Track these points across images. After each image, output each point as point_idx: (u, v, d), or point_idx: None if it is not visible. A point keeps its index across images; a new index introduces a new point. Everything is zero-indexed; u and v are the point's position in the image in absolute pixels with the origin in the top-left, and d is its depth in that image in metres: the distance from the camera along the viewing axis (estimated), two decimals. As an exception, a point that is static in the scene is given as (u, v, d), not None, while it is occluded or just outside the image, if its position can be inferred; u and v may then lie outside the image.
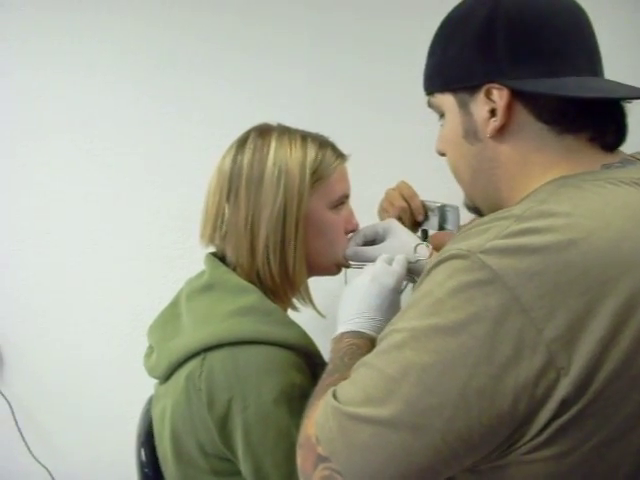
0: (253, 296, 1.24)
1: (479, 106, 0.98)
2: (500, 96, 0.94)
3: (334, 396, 0.89)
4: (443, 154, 1.12)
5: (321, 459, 0.87)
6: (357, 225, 1.38)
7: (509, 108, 0.94)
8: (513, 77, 0.94)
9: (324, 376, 1.06)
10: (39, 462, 2.17)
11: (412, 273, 1.37)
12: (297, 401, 1.14)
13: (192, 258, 1.32)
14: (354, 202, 1.41)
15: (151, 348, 1.36)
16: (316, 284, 1.38)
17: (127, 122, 2.08)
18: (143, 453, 1.39)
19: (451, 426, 0.79)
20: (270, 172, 1.24)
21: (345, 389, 0.89)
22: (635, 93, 0.95)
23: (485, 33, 0.96)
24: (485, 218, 0.89)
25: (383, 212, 1.61)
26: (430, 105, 1.10)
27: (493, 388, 0.77)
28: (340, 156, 1.33)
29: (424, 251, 1.32)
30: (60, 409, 2.20)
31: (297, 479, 1.12)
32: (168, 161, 2.05)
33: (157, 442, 1.30)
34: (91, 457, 2.15)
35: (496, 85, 0.94)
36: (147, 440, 1.37)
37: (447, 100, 1.03)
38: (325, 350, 1.30)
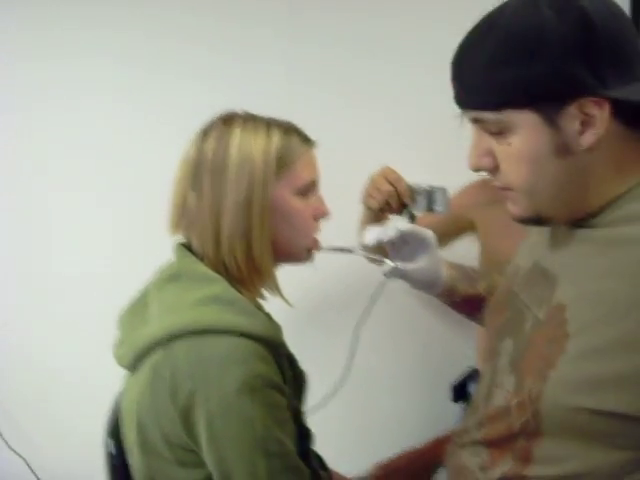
0: (218, 285, 1.22)
1: (570, 120, 0.96)
2: (600, 108, 0.94)
3: None
4: (484, 170, 1.10)
5: None
6: (327, 212, 1.35)
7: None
8: (609, 88, 0.94)
9: None
10: (15, 452, 2.17)
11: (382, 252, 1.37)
12: (261, 392, 1.13)
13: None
14: (328, 189, 1.39)
15: (120, 337, 1.35)
16: (285, 273, 1.36)
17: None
18: (110, 444, 1.38)
19: None
20: (234, 160, 1.22)
21: None
22: None
23: (581, 44, 0.94)
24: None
25: (369, 197, 1.61)
26: (480, 119, 1.06)
27: None
28: (307, 142, 1.31)
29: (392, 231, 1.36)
30: (33, 400, 2.20)
31: (261, 470, 1.13)
32: (145, 155, 2.06)
33: (124, 433, 1.29)
34: (66, 447, 2.15)
35: (592, 98, 0.94)
36: (115, 431, 1.35)
37: (526, 117, 0.99)
38: (293, 340, 1.29)
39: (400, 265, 1.40)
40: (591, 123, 0.96)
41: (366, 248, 1.41)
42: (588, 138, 0.97)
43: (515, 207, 1.10)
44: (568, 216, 1.06)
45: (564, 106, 0.96)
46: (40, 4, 2.14)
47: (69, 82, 2.16)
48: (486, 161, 1.08)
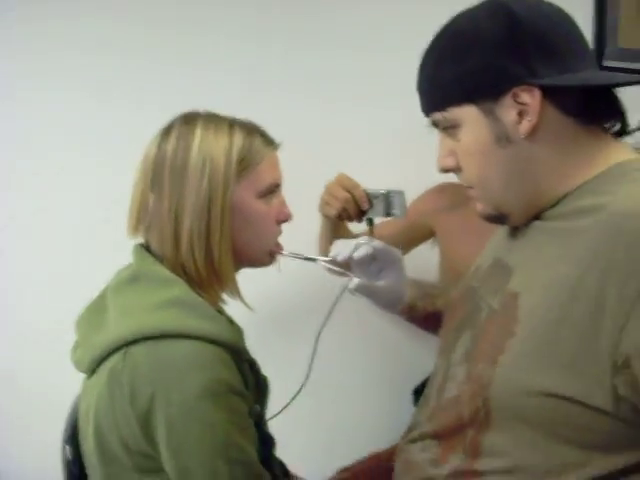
0: (178, 288, 1.20)
1: (506, 110, 1.05)
2: (531, 96, 1.02)
3: None
4: (448, 170, 1.18)
5: None
6: (289, 215, 1.34)
7: (541, 106, 1.02)
8: (539, 77, 1.02)
9: None
10: None
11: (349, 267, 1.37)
12: (222, 397, 1.11)
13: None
14: (291, 194, 1.38)
15: (77, 341, 1.32)
16: (247, 277, 1.34)
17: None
18: (68, 450, 1.35)
19: None
20: (194, 160, 1.21)
21: None
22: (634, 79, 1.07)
23: (509, 40, 1.04)
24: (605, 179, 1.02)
25: (325, 205, 1.62)
26: (437, 121, 1.15)
27: None
28: (270, 144, 1.30)
29: (365, 250, 1.36)
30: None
31: (223, 477, 1.11)
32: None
33: (81, 439, 1.26)
34: (23, 453, 2.10)
35: (524, 87, 1.02)
36: (72, 437, 1.33)
37: (467, 112, 1.09)
38: (255, 345, 1.28)
39: (366, 282, 1.40)
40: (526, 112, 1.04)
41: (332, 261, 1.40)
42: (524, 126, 1.04)
43: (478, 204, 1.18)
44: (524, 211, 1.11)
45: (500, 97, 1.05)
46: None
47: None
48: (448, 161, 1.17)
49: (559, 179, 1.07)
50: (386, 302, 1.46)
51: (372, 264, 1.40)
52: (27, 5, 2.00)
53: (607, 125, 1.10)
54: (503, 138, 1.06)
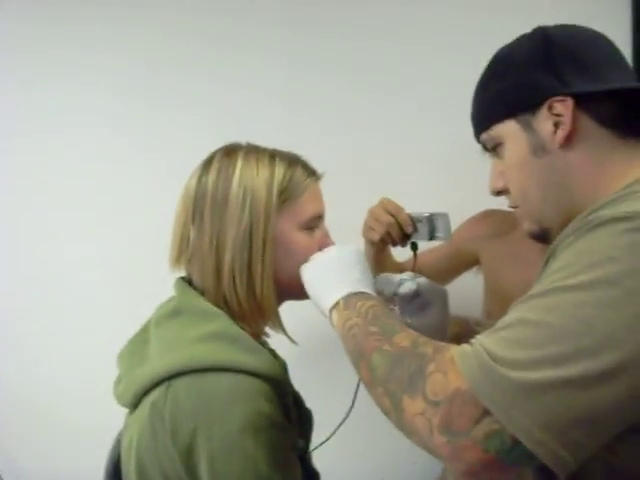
0: (220, 321, 1.19)
1: (543, 122, 1.09)
2: (564, 106, 1.06)
3: (491, 356, 0.85)
4: (500, 192, 1.21)
5: (486, 413, 0.83)
6: None
7: (574, 116, 1.06)
8: (572, 88, 1.07)
9: (364, 338, 1.04)
10: None
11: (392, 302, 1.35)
12: (264, 431, 1.09)
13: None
14: (333, 223, 1.37)
15: (119, 375, 1.32)
16: (288, 309, 1.33)
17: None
18: (110, 485, 1.34)
19: (635, 380, 0.80)
20: (235, 192, 1.20)
21: (508, 349, 0.85)
22: None
23: (542, 57, 1.10)
24: (612, 197, 0.97)
25: (369, 230, 1.61)
26: (485, 142, 1.20)
27: None
28: (312, 174, 1.29)
29: (408, 286, 1.35)
30: (31, 438, 2.17)
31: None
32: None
33: (124, 474, 1.25)
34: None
35: (558, 98, 1.07)
36: (114, 471, 1.32)
37: (507, 127, 1.14)
38: (297, 377, 1.26)
39: (410, 321, 1.38)
40: (561, 122, 1.07)
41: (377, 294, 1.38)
42: (559, 135, 1.07)
43: (524, 223, 1.19)
44: (564, 221, 1.07)
45: (536, 110, 1.10)
46: (41, 24, 2.17)
47: (69, 108, 2.19)
48: (498, 182, 1.20)
49: (594, 191, 1.06)
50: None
51: (416, 300, 1.38)
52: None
53: None
54: (539, 149, 1.10)
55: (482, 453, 0.83)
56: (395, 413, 0.94)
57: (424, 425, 0.87)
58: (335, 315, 1.13)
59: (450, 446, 0.85)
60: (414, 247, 1.58)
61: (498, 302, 1.70)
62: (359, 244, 1.68)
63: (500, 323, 0.91)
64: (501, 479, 0.89)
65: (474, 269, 1.97)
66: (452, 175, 2.03)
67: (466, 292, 1.87)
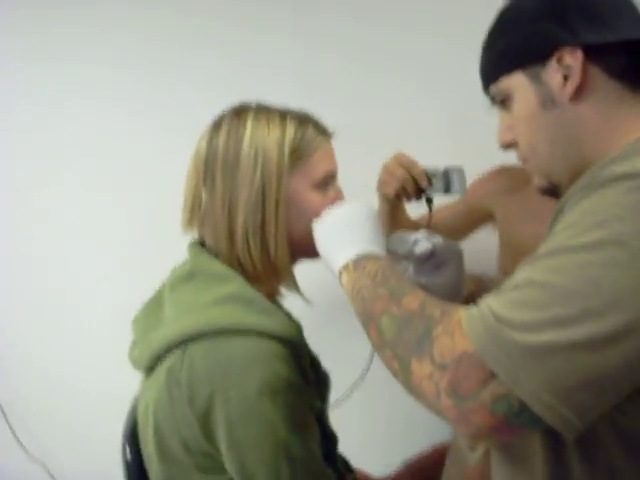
0: (234, 284, 1.19)
1: (552, 74, 1.06)
2: (574, 58, 1.03)
3: (497, 319, 0.84)
4: (509, 145, 1.18)
5: (492, 376, 0.82)
6: None
7: (583, 68, 1.03)
8: (581, 39, 1.03)
9: (373, 301, 1.03)
10: (34, 459, 2.18)
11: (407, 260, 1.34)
12: (282, 393, 1.09)
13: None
14: (347, 181, 1.36)
15: (135, 340, 1.32)
16: (302, 270, 1.32)
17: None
18: (128, 451, 1.35)
19: None
20: (246, 153, 1.19)
21: (514, 311, 0.84)
22: None
23: (552, 8, 1.07)
24: (621, 153, 0.95)
25: (383, 185, 1.60)
26: (493, 95, 1.17)
27: None
28: (323, 133, 1.27)
29: (424, 246, 1.32)
30: (50, 408, 2.20)
31: (285, 475, 1.08)
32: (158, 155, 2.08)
33: (141, 439, 1.26)
34: (84, 453, 2.14)
35: (567, 48, 1.03)
36: (132, 437, 1.33)
37: (516, 79, 1.11)
38: (313, 338, 1.25)
39: (425, 280, 1.37)
40: (571, 74, 1.03)
41: (390, 253, 1.37)
42: (568, 88, 1.04)
43: (535, 178, 1.18)
44: (573, 174, 1.06)
45: (545, 61, 1.06)
46: (41, 6, 2.14)
47: (71, 84, 2.18)
48: (507, 135, 1.17)
49: (604, 144, 1.04)
50: (443, 298, 1.42)
51: (431, 259, 1.36)
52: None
53: None
54: (549, 101, 1.07)
55: (489, 416, 0.83)
56: (403, 376, 0.93)
57: (431, 388, 0.87)
58: (344, 277, 1.12)
59: (457, 409, 0.84)
60: (429, 201, 1.58)
61: (513, 258, 1.69)
62: (374, 202, 1.67)
63: (507, 284, 0.90)
64: (509, 441, 0.88)
65: (489, 225, 1.96)
66: (466, 129, 2.01)
67: (481, 249, 1.86)
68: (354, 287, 1.08)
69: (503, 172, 1.86)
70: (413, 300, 0.98)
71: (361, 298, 1.05)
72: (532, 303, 0.84)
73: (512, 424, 0.83)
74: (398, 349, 0.94)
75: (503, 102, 1.16)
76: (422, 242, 1.32)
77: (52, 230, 2.19)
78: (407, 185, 1.55)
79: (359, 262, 1.11)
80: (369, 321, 1.02)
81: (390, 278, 1.05)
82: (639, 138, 0.98)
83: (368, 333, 1.03)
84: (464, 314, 0.89)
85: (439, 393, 0.86)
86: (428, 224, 1.56)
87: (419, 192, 1.57)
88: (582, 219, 0.87)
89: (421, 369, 0.89)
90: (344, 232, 1.17)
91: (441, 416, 0.88)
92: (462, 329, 0.87)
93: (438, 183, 1.53)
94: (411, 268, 1.35)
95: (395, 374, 0.96)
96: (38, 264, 2.21)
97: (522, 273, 0.89)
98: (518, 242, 1.73)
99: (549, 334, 0.80)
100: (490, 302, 0.88)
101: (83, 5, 2.12)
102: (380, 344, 0.99)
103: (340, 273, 1.13)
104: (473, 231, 1.97)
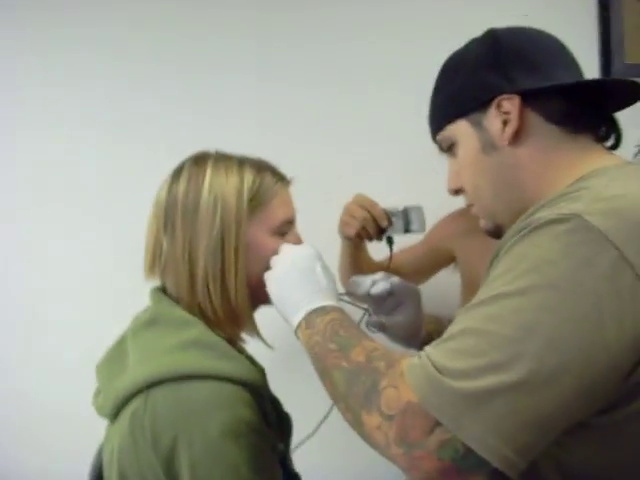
0: (196, 329, 1.20)
1: (492, 119, 1.11)
2: (511, 104, 1.09)
3: (437, 368, 0.87)
4: (458, 191, 1.23)
5: (437, 424, 0.85)
6: None
7: (521, 113, 1.08)
8: (519, 86, 1.09)
9: (324, 356, 1.06)
10: None
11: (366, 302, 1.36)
12: (245, 437, 1.10)
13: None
14: (308, 225, 1.40)
15: (99, 387, 1.32)
16: (262, 315, 1.33)
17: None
18: (93, 495, 1.34)
19: (581, 381, 0.83)
20: (206, 200, 1.21)
21: (453, 360, 0.88)
22: (622, 81, 1.10)
23: (490, 58, 1.13)
24: (553, 196, 0.99)
25: (345, 226, 1.62)
26: (440, 142, 1.23)
27: (616, 340, 0.83)
28: (281, 179, 1.30)
29: (382, 286, 1.36)
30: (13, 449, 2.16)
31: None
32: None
33: (106, 484, 1.25)
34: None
35: (506, 96, 1.09)
36: (97, 481, 1.32)
37: (459, 127, 1.17)
38: (275, 381, 1.27)
39: (385, 319, 1.40)
40: (509, 119, 1.09)
41: (349, 295, 1.40)
42: (507, 132, 1.09)
43: (481, 220, 1.23)
44: (515, 216, 1.08)
45: (486, 109, 1.12)
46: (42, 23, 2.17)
47: (64, 106, 2.18)
48: (454, 182, 1.23)
49: (543, 187, 1.08)
50: (402, 338, 1.46)
51: (389, 299, 1.39)
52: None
53: (601, 136, 1.13)
54: (489, 146, 1.12)
55: (437, 462, 0.85)
56: (357, 427, 0.97)
57: (382, 438, 0.91)
58: (300, 335, 1.15)
59: (407, 457, 0.87)
60: (390, 241, 1.60)
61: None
62: (335, 244, 1.69)
63: (446, 333, 0.93)
64: None
65: (450, 267, 1.98)
66: (423, 171, 2.04)
67: (443, 290, 1.88)
68: (308, 344, 1.12)
69: (462, 213, 1.89)
70: (360, 353, 1.02)
71: (315, 354, 1.09)
72: (469, 351, 0.87)
73: (459, 468, 0.85)
74: (350, 401, 0.98)
75: (450, 149, 1.22)
76: (380, 283, 1.35)
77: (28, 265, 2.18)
78: (368, 225, 1.58)
79: (309, 319, 1.14)
80: (324, 375, 1.06)
81: (339, 330, 1.08)
82: (575, 182, 1.02)
83: (325, 386, 1.07)
84: (406, 365, 0.93)
85: (389, 443, 0.89)
86: (389, 264, 1.59)
87: (380, 232, 1.60)
88: (516, 264, 0.91)
89: (371, 421, 0.93)
90: (292, 289, 1.19)
91: (393, 463, 0.91)
92: (406, 380, 0.91)
93: (398, 222, 1.56)
94: (369, 309, 1.39)
95: (350, 424, 1.00)
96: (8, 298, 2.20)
97: (459, 322, 0.92)
98: (479, 282, 1.75)
99: (487, 379, 0.83)
100: (430, 352, 0.92)
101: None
102: (335, 397, 1.04)
103: (296, 333, 1.16)
104: (435, 272, 1.99)
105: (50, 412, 2.11)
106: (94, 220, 2.14)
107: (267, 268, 1.24)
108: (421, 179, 2.03)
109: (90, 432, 1.41)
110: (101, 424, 1.29)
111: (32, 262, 2.16)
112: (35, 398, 2.14)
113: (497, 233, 1.18)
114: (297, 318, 1.16)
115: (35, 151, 2.16)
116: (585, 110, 1.10)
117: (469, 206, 1.23)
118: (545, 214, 0.93)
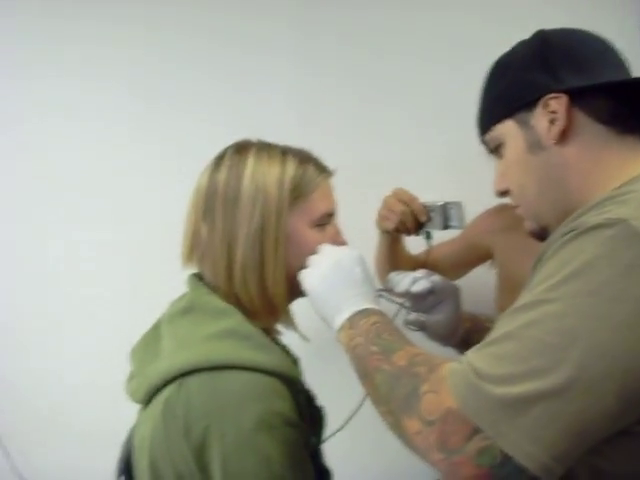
0: (232, 319, 1.19)
1: (539, 119, 1.11)
2: (559, 103, 1.08)
3: (477, 374, 0.88)
4: (504, 192, 1.22)
5: (477, 431, 0.86)
6: (344, 243, 1.32)
7: (568, 112, 1.08)
8: (567, 85, 1.09)
9: (366, 358, 1.06)
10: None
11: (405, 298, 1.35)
12: (278, 429, 1.09)
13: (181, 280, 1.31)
14: (347, 219, 1.38)
15: (132, 371, 1.32)
16: (300, 306, 1.32)
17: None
18: (122, 481, 1.34)
19: (622, 389, 0.82)
20: (247, 190, 1.20)
21: (493, 366, 0.88)
22: None
23: (538, 58, 1.13)
24: (599, 199, 0.98)
25: (383, 220, 1.62)
26: (487, 143, 1.24)
27: None
28: (323, 171, 1.29)
29: (423, 284, 1.35)
30: (45, 431, 2.18)
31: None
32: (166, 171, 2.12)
33: (135, 470, 1.25)
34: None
35: (553, 95, 1.08)
36: (126, 468, 1.31)
37: (506, 126, 1.17)
38: (309, 373, 1.26)
39: (424, 317, 1.38)
40: (556, 118, 1.08)
41: (388, 292, 1.38)
42: (553, 131, 1.09)
43: (526, 222, 1.22)
44: (561, 217, 1.08)
45: (532, 108, 1.12)
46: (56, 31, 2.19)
47: (81, 105, 2.21)
48: (501, 184, 1.22)
49: (589, 187, 1.07)
50: (441, 336, 1.45)
51: (429, 298, 1.38)
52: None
53: None
54: (536, 145, 1.12)
55: (476, 468, 0.85)
56: (398, 430, 0.98)
57: (423, 443, 0.91)
58: (342, 335, 1.15)
59: (447, 462, 0.88)
60: (428, 236, 1.60)
61: (511, 296, 1.67)
62: (373, 239, 1.68)
63: (488, 337, 0.93)
64: None
65: (487, 263, 1.96)
66: (467, 164, 2.02)
67: (479, 287, 1.87)
68: (349, 344, 1.12)
69: (502, 210, 1.87)
70: (402, 357, 1.02)
71: (357, 355, 1.09)
72: (510, 356, 0.86)
73: (497, 475, 0.85)
74: (391, 405, 0.98)
75: (496, 149, 1.21)
76: (421, 281, 1.34)
77: (59, 250, 2.21)
78: (406, 220, 1.57)
79: (353, 320, 1.13)
80: (365, 377, 1.07)
81: (383, 333, 1.08)
82: (622, 184, 1.00)
83: (365, 388, 1.08)
84: (447, 370, 0.93)
85: (430, 448, 0.90)
86: (426, 259, 1.58)
87: (418, 227, 1.59)
88: (558, 270, 0.90)
89: (412, 426, 0.93)
90: (336, 289, 1.18)
91: (434, 468, 0.91)
92: (446, 386, 0.90)
93: (437, 218, 1.55)
94: (409, 305, 1.37)
95: (391, 428, 1.00)
96: (39, 281, 2.22)
97: (501, 327, 0.92)
98: (516, 280, 1.72)
99: (527, 386, 0.83)
100: (470, 357, 0.92)
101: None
102: (376, 399, 1.04)
103: (337, 333, 1.16)
104: (472, 268, 1.98)
105: (75, 398, 2.14)
106: (129, 202, 2.15)
107: (306, 259, 1.23)
108: (462, 175, 2.02)
109: (119, 415, 1.42)
110: (130, 407, 1.29)
111: (67, 245, 2.18)
112: (65, 381, 2.16)
113: (542, 235, 1.17)
114: (341, 319, 1.15)
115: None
116: (633, 110, 1.08)
117: (515, 207, 1.22)
118: (591, 218, 0.92)
